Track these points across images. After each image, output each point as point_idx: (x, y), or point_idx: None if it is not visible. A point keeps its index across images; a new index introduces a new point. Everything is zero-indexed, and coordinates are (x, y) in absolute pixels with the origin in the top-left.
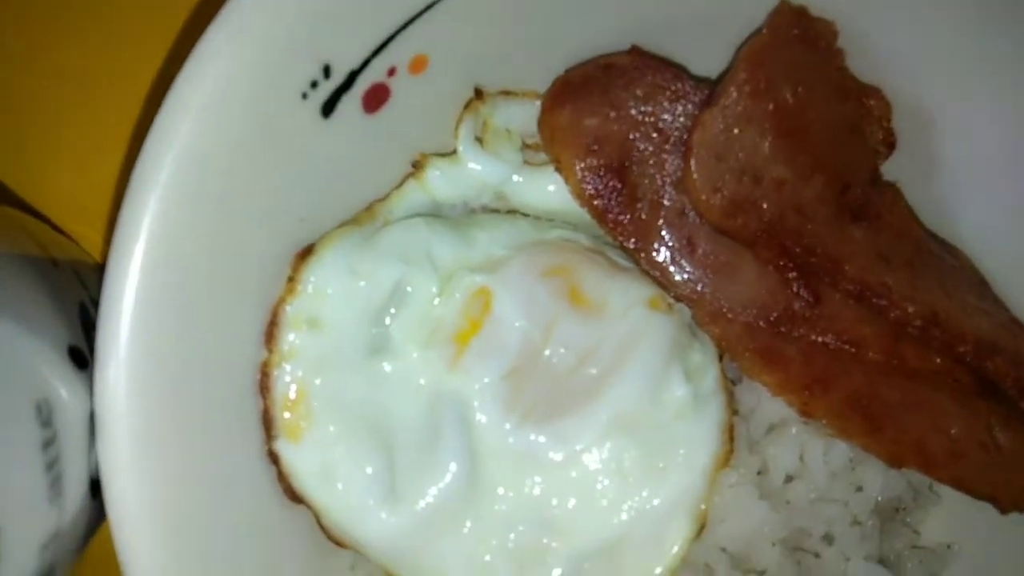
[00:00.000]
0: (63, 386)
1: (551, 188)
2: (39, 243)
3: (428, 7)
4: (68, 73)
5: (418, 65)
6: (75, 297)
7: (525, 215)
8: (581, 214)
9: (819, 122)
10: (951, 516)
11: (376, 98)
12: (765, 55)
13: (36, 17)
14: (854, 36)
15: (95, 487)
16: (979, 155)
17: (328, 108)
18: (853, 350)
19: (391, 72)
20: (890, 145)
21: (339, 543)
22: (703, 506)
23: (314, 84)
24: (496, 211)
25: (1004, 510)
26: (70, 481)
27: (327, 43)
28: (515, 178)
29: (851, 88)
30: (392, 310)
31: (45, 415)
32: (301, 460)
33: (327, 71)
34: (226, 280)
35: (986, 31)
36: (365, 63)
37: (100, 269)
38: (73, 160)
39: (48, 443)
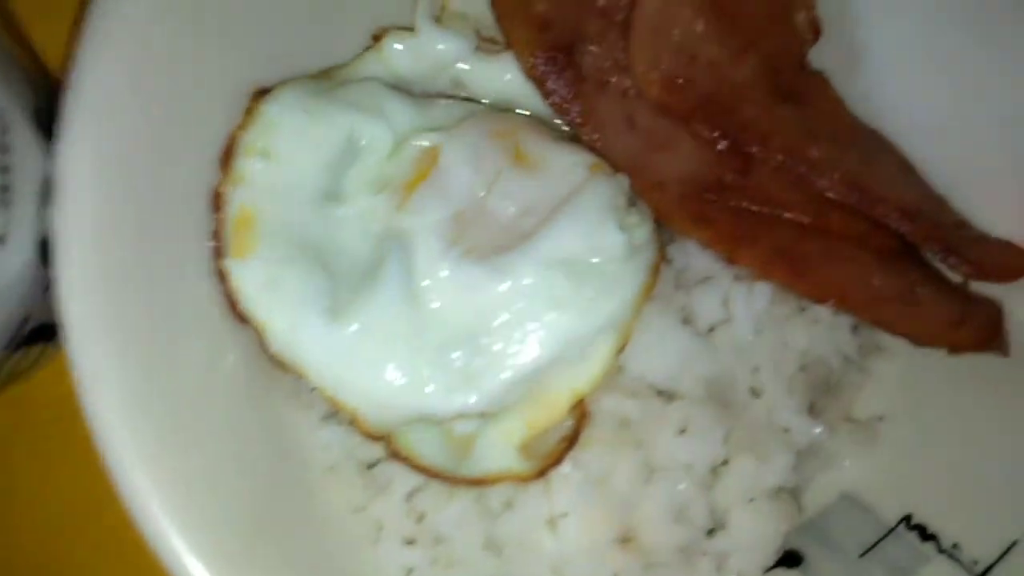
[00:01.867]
0: (22, 135)
1: (507, 77)
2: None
3: None
4: None
5: None
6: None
7: (480, 103)
8: (533, 103)
9: (750, 7)
10: (883, 391)
11: None
12: None
13: None
14: None
15: (44, 251)
16: (901, 44)
17: None
18: (780, 214)
19: None
20: (816, 32)
21: (281, 365)
22: (627, 324)
23: None
24: (452, 97)
25: (919, 345)
26: (19, 225)
27: None
28: (468, 65)
29: None
30: (345, 162)
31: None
32: (247, 276)
33: None
34: (187, 99)
35: None
36: None
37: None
38: None
39: (4, 169)
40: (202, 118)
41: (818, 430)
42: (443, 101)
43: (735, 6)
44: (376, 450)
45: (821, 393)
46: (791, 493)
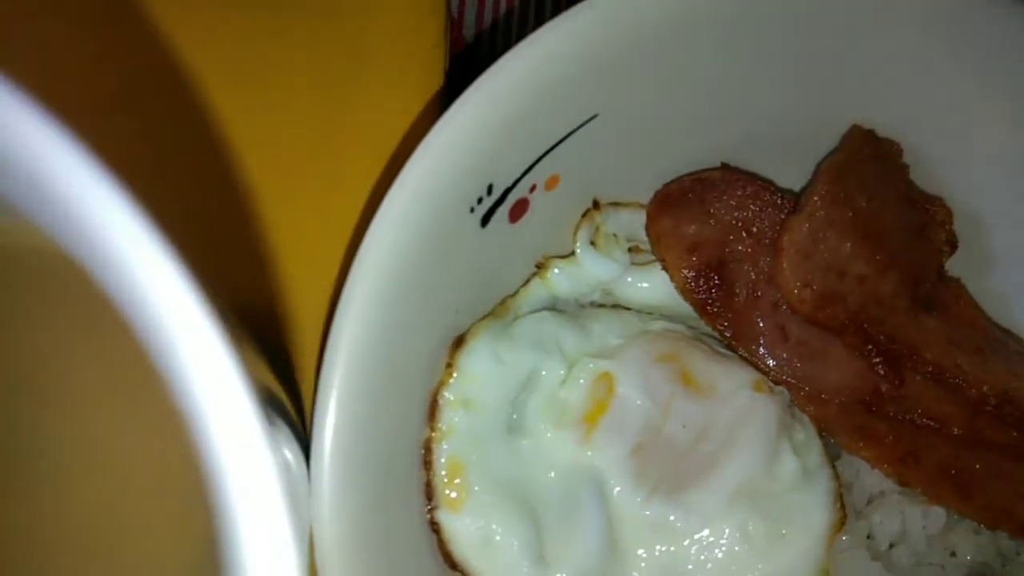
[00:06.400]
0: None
1: (648, 285)
2: None
3: (564, 138)
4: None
5: (552, 183)
6: None
7: (628, 309)
8: (678, 307)
9: (891, 227)
10: None
11: (519, 210)
12: (842, 170)
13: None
14: (917, 152)
15: None
16: None
17: (486, 220)
18: (937, 426)
19: (532, 188)
20: (953, 245)
21: None
22: (824, 566)
23: (479, 200)
24: (603, 306)
25: None
26: None
27: (493, 168)
28: (623, 277)
29: (917, 198)
30: (526, 394)
31: None
32: (461, 529)
33: (490, 189)
34: (402, 374)
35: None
36: (516, 182)
37: None
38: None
39: None
40: (412, 386)
41: None
42: (601, 315)
43: (878, 227)
44: None
45: None
46: None
